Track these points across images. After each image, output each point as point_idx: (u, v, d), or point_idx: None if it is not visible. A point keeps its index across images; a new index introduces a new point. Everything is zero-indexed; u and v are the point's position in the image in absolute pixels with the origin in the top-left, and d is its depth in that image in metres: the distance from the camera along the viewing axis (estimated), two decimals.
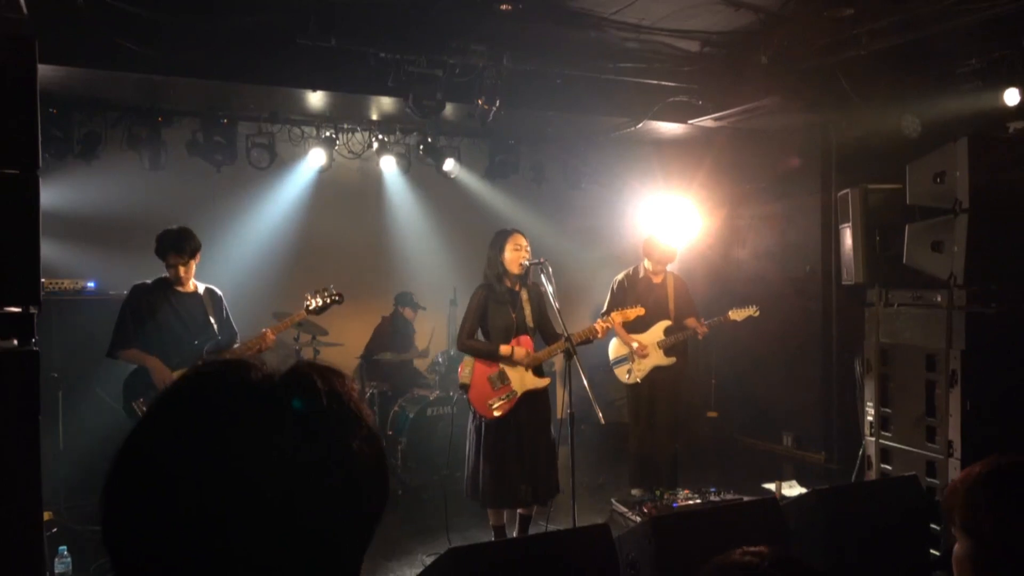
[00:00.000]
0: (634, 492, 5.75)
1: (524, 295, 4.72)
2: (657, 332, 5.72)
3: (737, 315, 5.79)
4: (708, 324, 5.77)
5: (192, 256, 4.48)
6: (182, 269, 4.45)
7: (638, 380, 5.73)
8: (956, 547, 1.51)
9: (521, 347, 4.62)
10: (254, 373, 0.79)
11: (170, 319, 4.42)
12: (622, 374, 5.82)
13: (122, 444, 0.76)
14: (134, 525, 0.73)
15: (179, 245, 4.42)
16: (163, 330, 4.39)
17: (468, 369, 4.69)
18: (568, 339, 4.32)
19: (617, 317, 4.85)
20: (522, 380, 4.62)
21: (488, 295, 4.69)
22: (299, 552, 0.73)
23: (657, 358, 5.71)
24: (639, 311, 4.99)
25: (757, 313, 5.80)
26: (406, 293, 7.55)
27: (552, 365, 5.01)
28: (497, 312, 4.67)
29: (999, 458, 1.52)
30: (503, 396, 4.57)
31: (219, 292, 4.72)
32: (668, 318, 5.77)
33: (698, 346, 5.92)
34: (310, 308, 4.69)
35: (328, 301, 4.71)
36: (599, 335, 4.66)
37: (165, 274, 4.52)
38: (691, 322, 5.76)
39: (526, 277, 4.71)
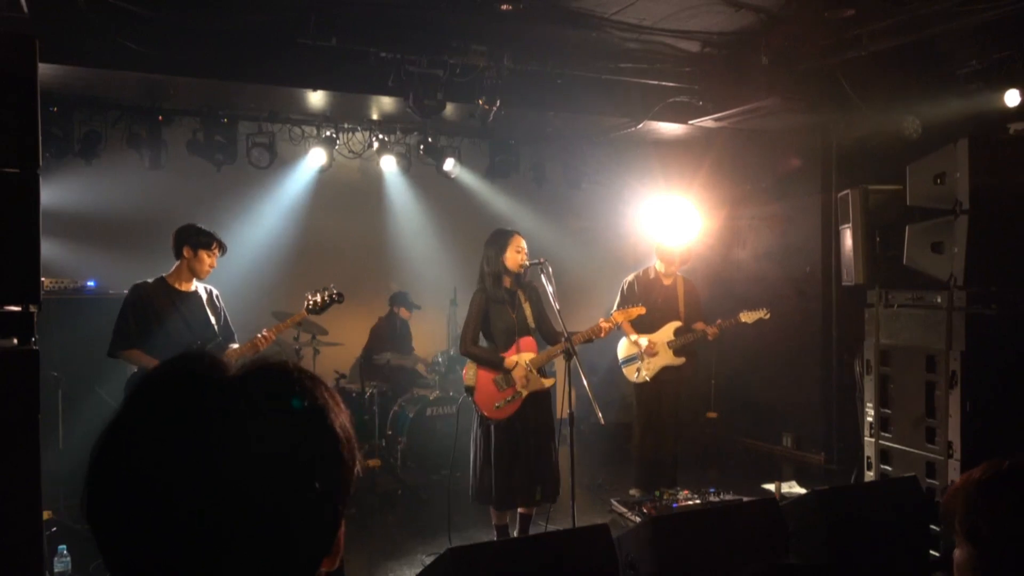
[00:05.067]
0: (632, 492, 5.75)
1: (522, 296, 4.73)
2: (667, 332, 5.73)
3: (748, 317, 5.77)
4: (719, 326, 5.75)
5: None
6: (214, 264, 4.54)
7: (647, 379, 5.73)
8: (956, 552, 1.50)
9: (523, 357, 4.62)
10: (224, 367, 0.81)
11: (174, 319, 4.41)
12: (631, 373, 5.81)
13: (99, 438, 0.77)
14: (109, 519, 0.74)
15: (221, 242, 4.55)
16: (167, 330, 4.36)
17: (472, 371, 4.68)
18: (568, 339, 4.33)
19: (619, 316, 4.87)
20: (526, 382, 4.63)
21: (487, 298, 4.69)
22: (263, 536, 0.74)
23: (667, 358, 5.72)
24: (640, 310, 5.02)
25: (768, 316, 5.76)
26: (401, 293, 7.55)
27: (553, 365, 5.01)
28: (498, 314, 4.68)
29: (998, 462, 1.51)
30: (509, 397, 4.58)
31: (216, 292, 4.72)
32: (678, 319, 5.78)
33: (699, 347, 5.92)
34: (310, 308, 4.69)
35: (328, 300, 4.71)
36: (602, 334, 4.67)
37: (163, 273, 4.51)
38: (700, 325, 5.75)
39: (523, 277, 4.71)
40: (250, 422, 0.75)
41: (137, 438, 0.75)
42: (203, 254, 4.45)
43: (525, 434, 4.58)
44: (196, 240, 4.44)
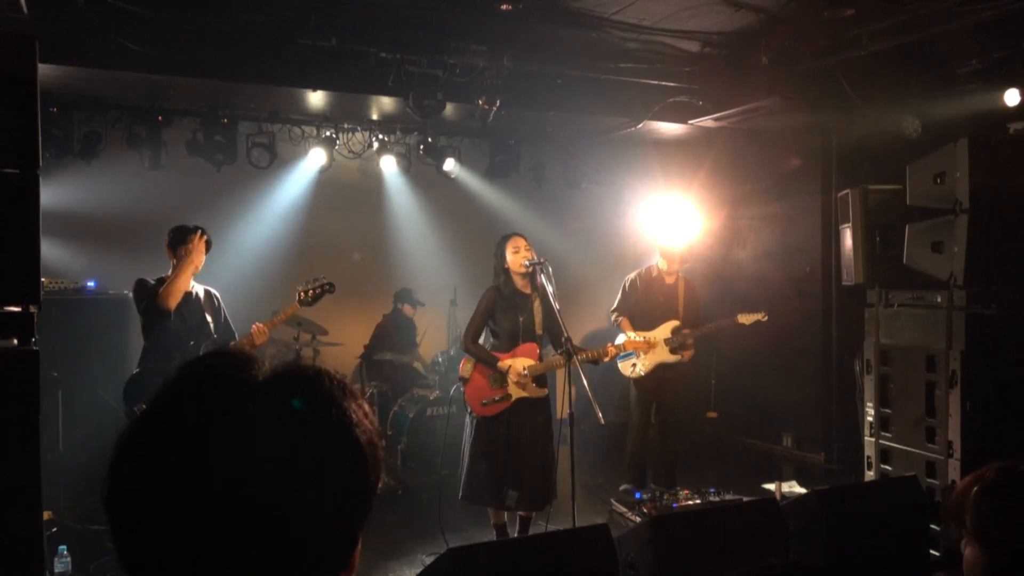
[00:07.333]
0: (624, 487, 5.76)
1: (536, 300, 4.71)
2: (665, 330, 5.78)
3: (746, 319, 5.79)
4: (707, 329, 5.86)
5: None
6: (201, 253, 4.50)
7: (641, 374, 5.76)
8: (967, 553, 1.50)
9: (519, 362, 4.61)
10: (255, 369, 0.79)
11: (173, 319, 4.42)
12: (627, 368, 5.84)
13: (119, 439, 0.76)
14: (129, 522, 0.73)
15: (202, 231, 4.52)
16: (165, 330, 4.38)
17: (470, 364, 4.71)
18: (568, 339, 4.32)
19: (629, 345, 5.18)
20: (519, 386, 4.62)
21: (497, 297, 4.70)
22: (283, 547, 0.73)
23: (663, 355, 5.74)
24: (642, 345, 5.40)
25: (766, 319, 5.78)
26: (405, 290, 7.54)
27: (554, 372, 5.01)
28: (504, 315, 4.68)
29: (1009, 464, 1.51)
30: (497, 397, 4.58)
31: (216, 293, 4.71)
32: (677, 318, 5.82)
33: (699, 347, 5.92)
34: (302, 300, 4.67)
35: (319, 291, 4.68)
36: (607, 358, 4.80)
37: (163, 275, 4.51)
38: (686, 331, 5.79)
39: (535, 279, 4.67)
40: (270, 426, 0.74)
41: (149, 436, 0.75)
42: (182, 251, 4.45)
43: (512, 438, 4.56)
44: (176, 239, 4.47)
